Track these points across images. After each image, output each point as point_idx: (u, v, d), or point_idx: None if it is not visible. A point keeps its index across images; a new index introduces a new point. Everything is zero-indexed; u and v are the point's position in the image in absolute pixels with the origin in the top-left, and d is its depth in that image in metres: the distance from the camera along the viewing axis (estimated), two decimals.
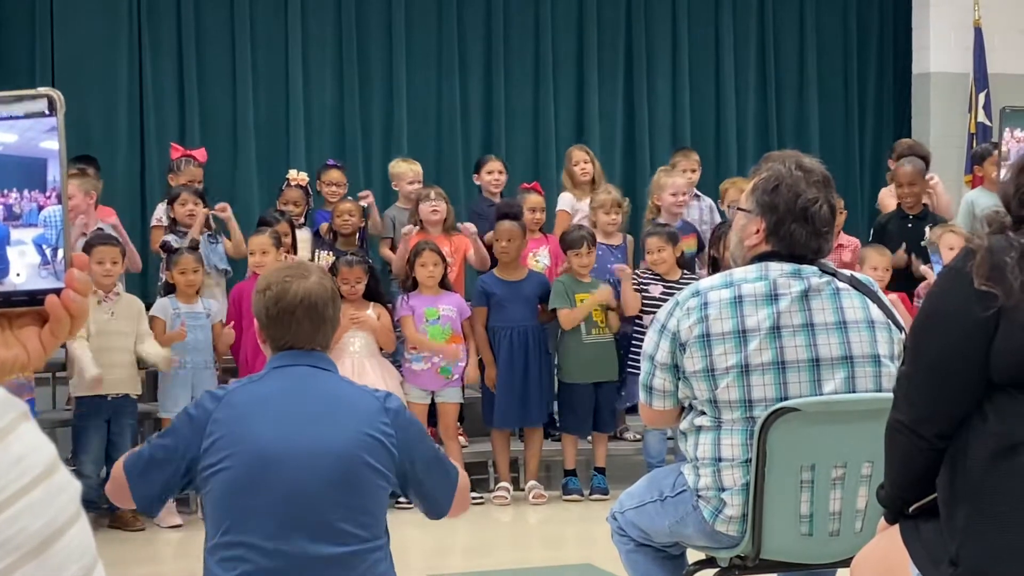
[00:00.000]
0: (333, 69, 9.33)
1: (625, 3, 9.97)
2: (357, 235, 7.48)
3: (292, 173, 7.79)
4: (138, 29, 8.87)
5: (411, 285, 6.90)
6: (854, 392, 3.23)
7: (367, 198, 7.73)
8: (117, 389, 6.32)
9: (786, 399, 3.19)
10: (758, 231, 3.29)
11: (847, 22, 10.56)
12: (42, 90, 1.13)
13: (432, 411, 6.95)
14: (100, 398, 6.29)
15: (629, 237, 7.65)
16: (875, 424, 2.78)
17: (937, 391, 2.49)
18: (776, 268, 3.26)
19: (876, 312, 3.29)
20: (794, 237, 3.25)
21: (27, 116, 1.12)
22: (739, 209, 3.41)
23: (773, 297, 3.23)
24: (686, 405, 3.35)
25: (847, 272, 3.38)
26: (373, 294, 6.73)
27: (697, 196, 8.00)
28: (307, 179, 7.78)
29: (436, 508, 3.05)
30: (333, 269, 6.68)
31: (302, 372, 2.95)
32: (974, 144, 9.58)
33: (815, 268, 3.28)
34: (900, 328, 3.32)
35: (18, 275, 1.12)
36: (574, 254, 6.99)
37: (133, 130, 8.85)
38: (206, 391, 3.09)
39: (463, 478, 3.05)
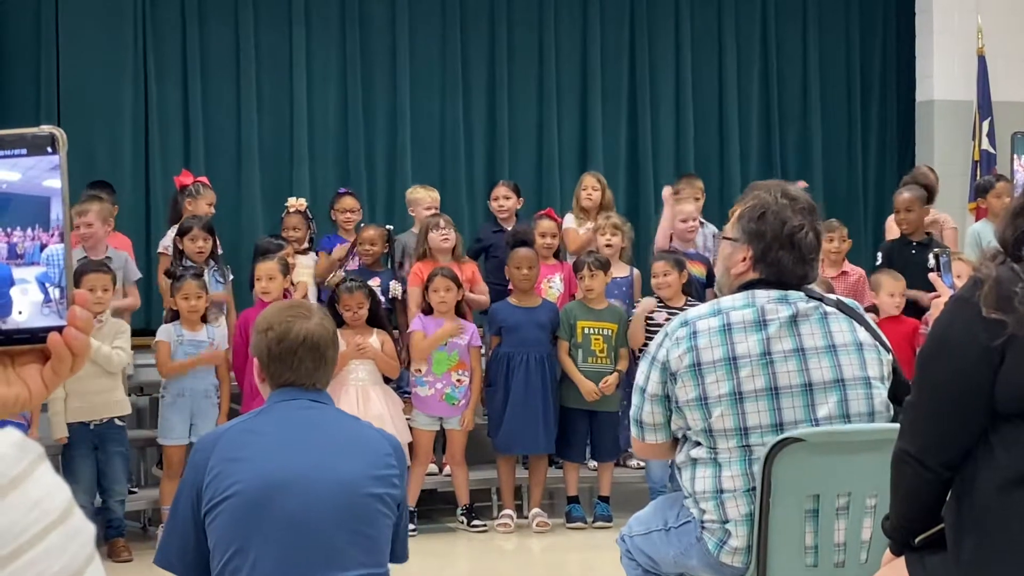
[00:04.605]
0: (337, 95, 9.36)
1: (628, 27, 10.01)
2: (380, 260, 7.50)
3: (291, 200, 7.82)
4: (143, 56, 8.90)
5: (427, 308, 6.92)
6: (848, 415, 3.23)
7: None
8: (100, 415, 6.26)
9: (781, 425, 3.19)
10: (744, 259, 3.31)
11: (850, 49, 10.59)
12: (45, 128, 1.13)
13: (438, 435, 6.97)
14: (83, 426, 6.24)
15: (636, 271, 7.65)
16: (880, 454, 2.77)
17: (943, 420, 2.48)
18: (763, 295, 3.27)
19: (863, 334, 3.30)
20: (781, 264, 3.27)
21: (30, 154, 1.12)
22: (724, 238, 3.43)
23: (762, 323, 3.23)
24: (679, 436, 3.34)
25: (833, 296, 3.40)
26: (375, 320, 6.72)
27: (700, 223, 8.01)
28: (305, 204, 7.80)
29: (398, 554, 3.08)
30: (334, 296, 6.69)
31: (302, 405, 2.99)
32: (978, 172, 9.59)
33: (801, 294, 3.30)
34: (888, 349, 3.33)
35: (20, 313, 1.12)
36: (579, 277, 7.02)
37: (138, 157, 8.87)
38: (204, 435, 3.13)
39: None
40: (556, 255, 7.60)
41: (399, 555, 3.07)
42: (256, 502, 2.83)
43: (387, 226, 7.78)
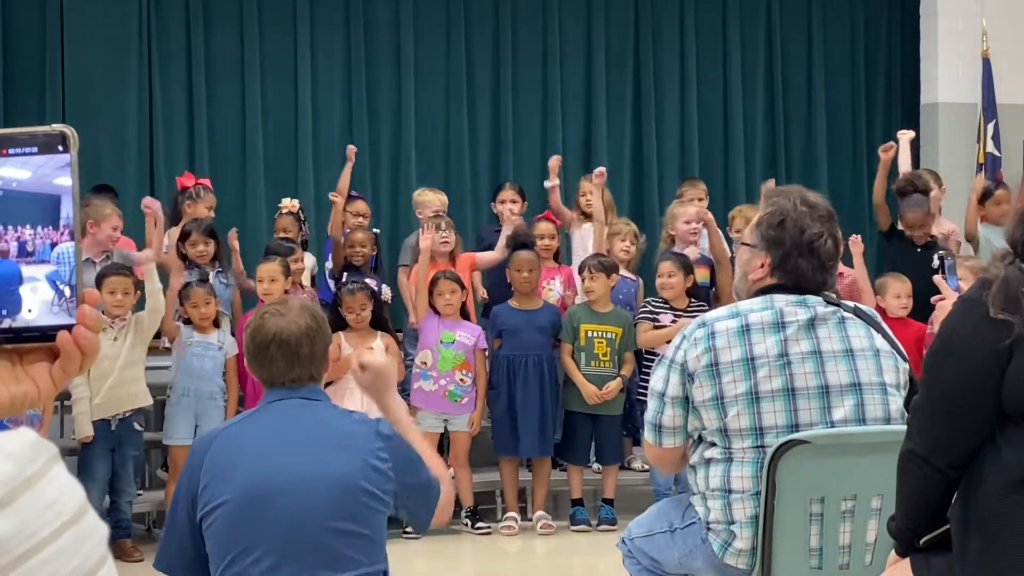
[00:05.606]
0: (342, 99, 9.36)
1: (633, 32, 10.01)
2: (369, 264, 7.50)
3: (284, 201, 7.82)
4: (148, 58, 8.91)
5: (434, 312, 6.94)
6: (864, 419, 3.24)
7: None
8: (123, 407, 6.28)
9: (796, 426, 3.20)
10: (763, 265, 3.33)
11: (855, 52, 10.58)
12: (56, 127, 1.13)
13: (442, 437, 6.96)
14: (105, 424, 6.26)
15: (641, 280, 7.64)
16: (885, 456, 2.77)
17: (950, 420, 2.48)
18: (781, 298, 3.29)
19: (881, 341, 3.31)
20: (800, 271, 3.29)
21: (41, 152, 1.12)
22: (743, 244, 3.44)
23: (780, 325, 3.25)
24: (695, 438, 3.35)
25: (850, 303, 3.41)
26: (379, 322, 6.70)
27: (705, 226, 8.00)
28: (298, 206, 7.80)
29: (418, 525, 3.11)
30: (337, 298, 6.68)
31: (293, 404, 2.97)
32: (983, 174, 9.58)
33: (820, 299, 3.32)
34: (904, 358, 3.34)
35: (30, 311, 1.12)
36: (581, 279, 7.02)
37: (143, 159, 8.87)
38: (198, 438, 3.13)
39: (446, 494, 3.06)
40: (555, 257, 7.60)
41: (422, 521, 3.05)
42: (250, 506, 2.83)
43: (374, 230, 7.79)
